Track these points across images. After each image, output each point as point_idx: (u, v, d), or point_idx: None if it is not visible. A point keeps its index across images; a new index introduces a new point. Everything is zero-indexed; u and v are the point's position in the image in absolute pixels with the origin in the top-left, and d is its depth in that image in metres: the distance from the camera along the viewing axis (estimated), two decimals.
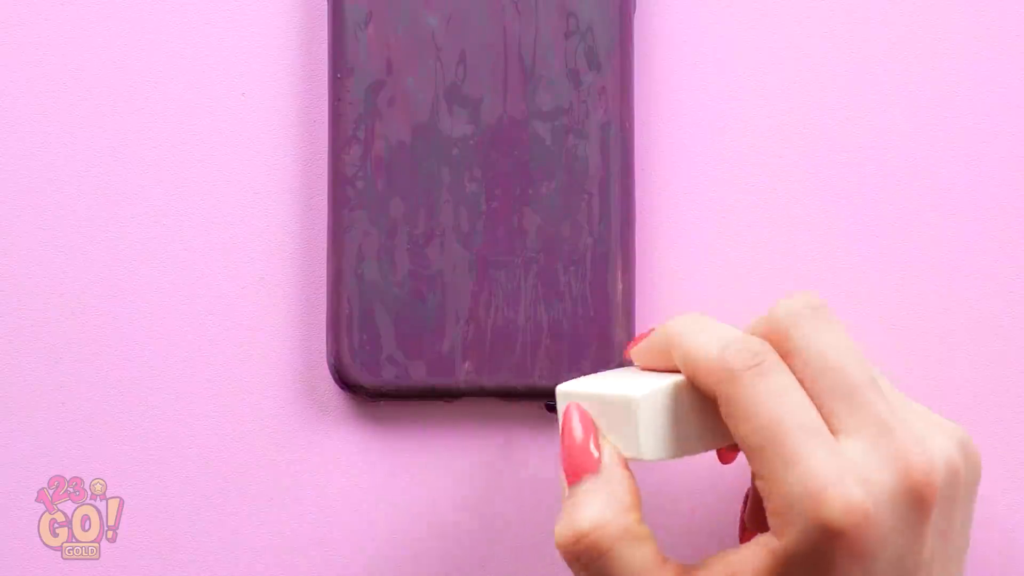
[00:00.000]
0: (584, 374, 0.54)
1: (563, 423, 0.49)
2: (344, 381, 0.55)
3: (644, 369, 0.50)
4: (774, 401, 0.45)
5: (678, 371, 0.48)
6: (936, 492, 0.45)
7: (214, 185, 0.56)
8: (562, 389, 0.49)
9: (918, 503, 0.45)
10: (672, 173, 0.56)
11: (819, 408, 0.46)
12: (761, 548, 0.46)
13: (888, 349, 0.56)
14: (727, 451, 0.53)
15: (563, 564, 0.56)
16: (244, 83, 0.56)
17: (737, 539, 0.55)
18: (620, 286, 0.54)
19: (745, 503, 0.53)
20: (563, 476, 0.48)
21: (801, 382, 0.46)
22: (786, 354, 0.47)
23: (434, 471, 0.56)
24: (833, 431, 0.46)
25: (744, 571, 0.46)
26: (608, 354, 0.54)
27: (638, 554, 0.46)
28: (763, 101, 0.57)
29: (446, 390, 0.54)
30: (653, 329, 0.50)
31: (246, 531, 0.56)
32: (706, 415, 0.48)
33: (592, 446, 0.48)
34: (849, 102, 0.57)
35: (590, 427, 0.48)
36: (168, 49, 0.56)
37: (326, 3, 0.56)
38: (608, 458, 0.48)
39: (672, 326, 0.48)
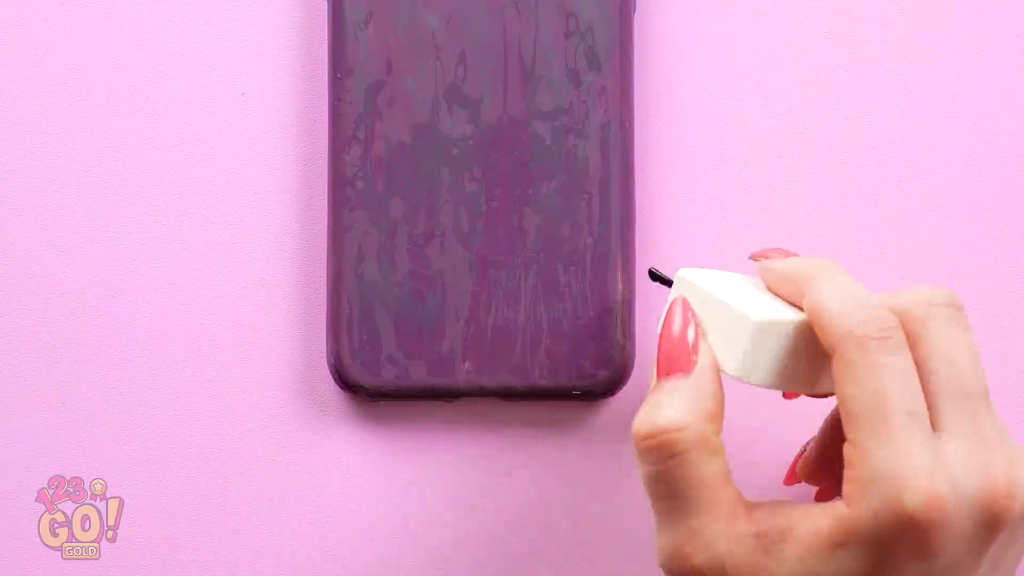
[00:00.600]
0: (584, 374, 0.54)
1: (668, 313, 0.49)
2: (344, 381, 0.55)
3: (768, 288, 0.50)
4: (890, 377, 0.45)
5: (800, 307, 0.48)
6: (1010, 519, 0.45)
7: (214, 185, 0.56)
8: (683, 274, 0.49)
9: (992, 522, 0.45)
10: (672, 173, 0.56)
11: (929, 403, 0.46)
12: (827, 512, 0.45)
13: None
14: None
15: (562, 565, 0.56)
16: (244, 83, 0.56)
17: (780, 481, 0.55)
18: (620, 286, 0.54)
19: (803, 451, 0.53)
20: (654, 367, 0.48)
21: (919, 370, 0.46)
22: (915, 339, 0.47)
23: (434, 471, 0.56)
24: (935, 428, 0.46)
25: (802, 528, 0.46)
26: (608, 354, 0.54)
27: (710, 466, 0.46)
28: (763, 101, 0.57)
29: (446, 390, 0.54)
30: (789, 252, 0.49)
31: (246, 531, 0.56)
32: (813, 362, 0.48)
33: (691, 348, 0.48)
34: (849, 102, 0.57)
35: (694, 328, 0.48)
36: (168, 49, 0.56)
37: (326, 3, 0.56)
38: (703, 362, 0.48)
39: (814, 268, 0.48)
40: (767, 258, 0.50)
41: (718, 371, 0.48)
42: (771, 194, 0.56)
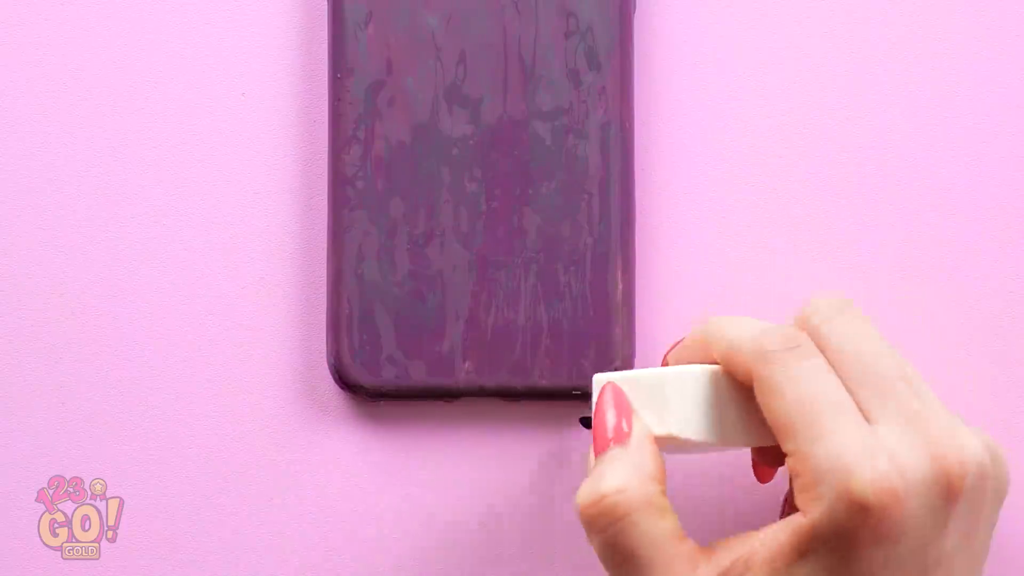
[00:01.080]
0: (584, 374, 0.54)
1: (597, 400, 0.49)
2: (344, 381, 0.55)
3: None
4: (809, 380, 0.46)
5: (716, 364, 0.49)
6: (965, 484, 0.45)
7: (214, 185, 0.56)
8: (599, 377, 0.50)
9: (946, 492, 0.45)
10: (672, 173, 0.56)
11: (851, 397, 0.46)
12: (783, 527, 0.45)
13: None
14: (766, 468, 0.53)
15: (562, 565, 0.56)
16: (244, 83, 0.56)
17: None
18: (620, 286, 0.54)
19: (784, 506, 0.53)
20: (591, 452, 0.48)
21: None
22: (818, 348, 0.47)
23: (434, 471, 0.56)
24: (865, 418, 0.46)
25: (762, 551, 0.45)
26: (608, 354, 0.54)
27: (658, 525, 0.46)
28: (763, 101, 0.57)
29: (446, 390, 0.54)
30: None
31: (246, 531, 0.56)
32: (740, 408, 0.49)
33: (624, 422, 0.48)
34: (849, 102, 0.57)
35: (623, 405, 0.49)
36: (168, 49, 0.56)
37: (326, 3, 0.56)
38: (638, 432, 0.48)
39: (711, 321, 0.49)
40: (674, 348, 0.51)
41: (654, 440, 0.48)
42: (771, 194, 0.56)
